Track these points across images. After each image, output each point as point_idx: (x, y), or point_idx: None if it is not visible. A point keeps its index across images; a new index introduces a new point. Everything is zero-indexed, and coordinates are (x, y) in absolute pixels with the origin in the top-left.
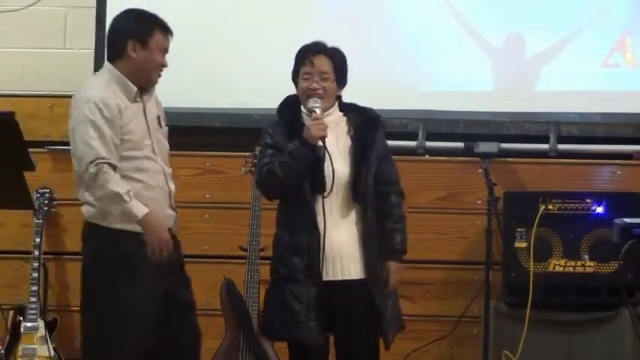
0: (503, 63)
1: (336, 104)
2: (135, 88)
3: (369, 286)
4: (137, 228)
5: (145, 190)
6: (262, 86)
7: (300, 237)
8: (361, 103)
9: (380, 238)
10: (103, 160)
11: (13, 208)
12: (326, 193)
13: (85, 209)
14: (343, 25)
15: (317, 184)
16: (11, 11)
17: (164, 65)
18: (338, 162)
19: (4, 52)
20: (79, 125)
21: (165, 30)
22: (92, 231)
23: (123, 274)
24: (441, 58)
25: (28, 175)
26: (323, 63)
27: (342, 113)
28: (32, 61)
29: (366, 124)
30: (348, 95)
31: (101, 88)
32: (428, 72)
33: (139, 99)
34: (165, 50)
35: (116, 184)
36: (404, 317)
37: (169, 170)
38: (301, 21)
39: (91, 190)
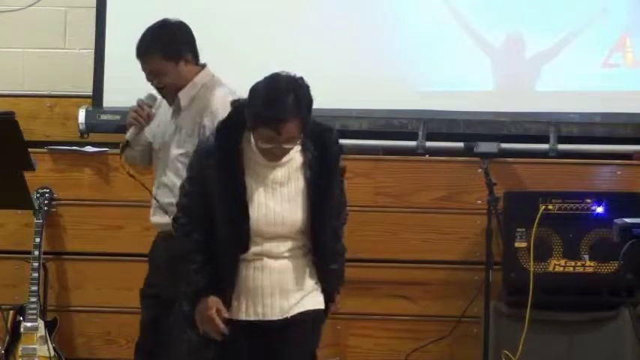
0: (503, 63)
1: None
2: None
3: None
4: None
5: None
6: None
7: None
8: (361, 103)
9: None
10: None
11: (13, 208)
12: (246, 255)
13: None
14: (343, 25)
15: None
16: (11, 11)
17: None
18: (287, 206)
19: (4, 52)
20: None
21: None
22: None
23: None
24: (441, 58)
25: (28, 175)
26: (291, 130)
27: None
28: (32, 61)
29: (324, 158)
30: (347, 95)
31: None
32: (428, 72)
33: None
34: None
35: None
36: (404, 317)
37: (164, 180)
38: (301, 21)
39: None
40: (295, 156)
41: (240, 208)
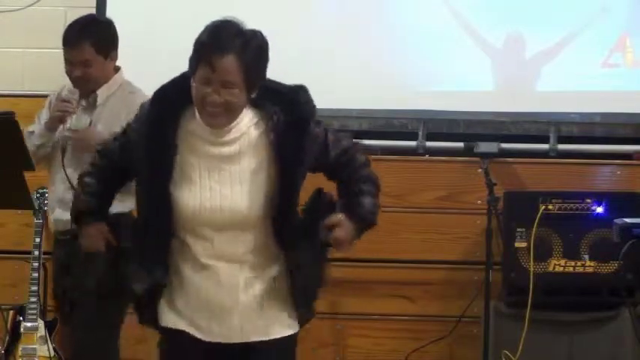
0: (503, 63)
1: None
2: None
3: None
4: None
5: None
6: None
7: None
8: (361, 103)
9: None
10: None
11: (13, 208)
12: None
13: None
14: (343, 25)
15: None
16: (11, 11)
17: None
18: (239, 188)
19: (4, 52)
20: None
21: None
22: None
23: None
24: (441, 58)
25: (28, 175)
26: (229, 67)
27: (252, 114)
28: (32, 61)
29: (293, 118)
30: (347, 95)
31: None
32: (428, 72)
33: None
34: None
35: None
36: (404, 317)
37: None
38: (301, 21)
39: None
40: (249, 131)
41: (163, 192)
